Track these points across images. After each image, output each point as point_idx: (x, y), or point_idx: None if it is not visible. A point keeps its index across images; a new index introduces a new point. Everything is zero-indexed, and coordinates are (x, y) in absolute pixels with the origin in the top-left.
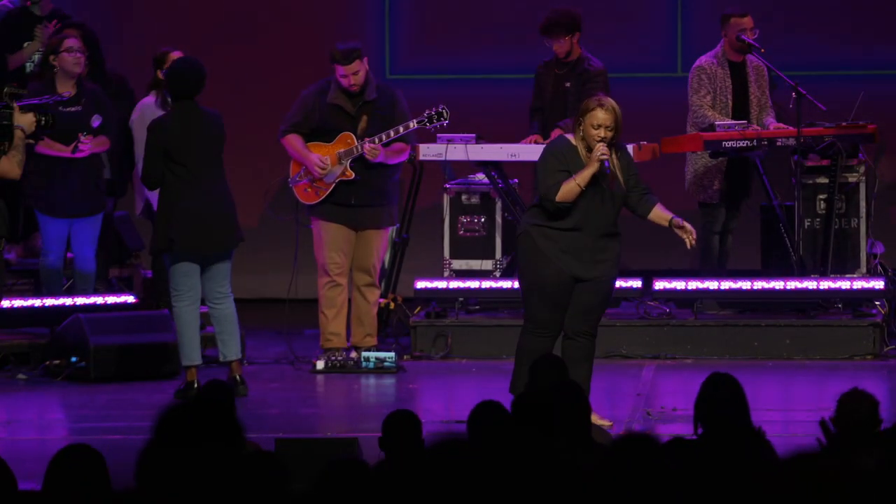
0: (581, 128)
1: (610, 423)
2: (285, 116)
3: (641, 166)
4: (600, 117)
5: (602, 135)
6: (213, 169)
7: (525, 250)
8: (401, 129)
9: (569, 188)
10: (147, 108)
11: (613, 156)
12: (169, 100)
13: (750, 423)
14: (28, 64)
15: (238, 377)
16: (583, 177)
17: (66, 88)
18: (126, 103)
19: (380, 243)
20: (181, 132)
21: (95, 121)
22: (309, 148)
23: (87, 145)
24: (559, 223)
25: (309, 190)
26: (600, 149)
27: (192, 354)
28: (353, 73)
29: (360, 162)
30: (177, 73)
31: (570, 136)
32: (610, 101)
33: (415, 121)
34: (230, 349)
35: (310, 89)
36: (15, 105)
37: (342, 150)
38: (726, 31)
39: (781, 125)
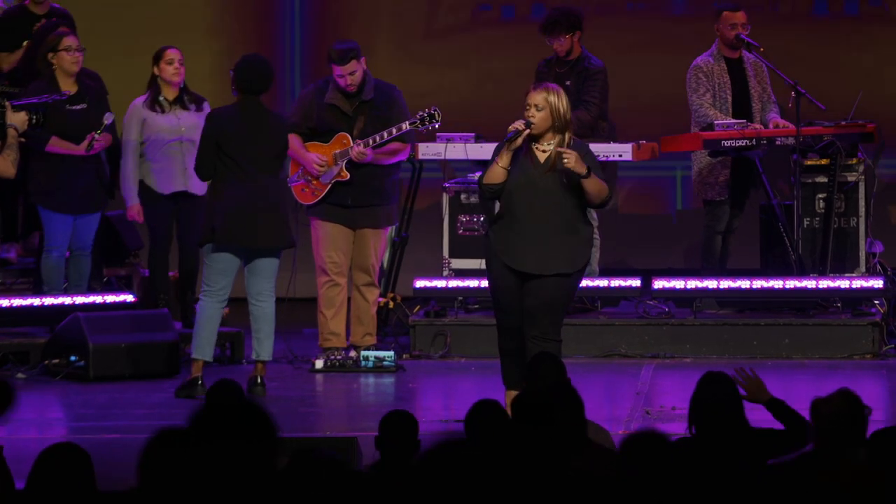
0: None
1: None
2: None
3: (641, 165)
4: (530, 98)
5: (530, 113)
6: (266, 168)
7: (487, 250)
8: (393, 131)
9: (490, 168)
10: (133, 110)
11: (554, 144)
12: (160, 99)
13: (743, 421)
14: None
15: (259, 378)
16: (501, 155)
17: (66, 86)
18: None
19: (378, 242)
20: (236, 126)
21: (108, 118)
22: (307, 148)
23: (101, 143)
24: (503, 217)
25: (306, 190)
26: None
27: (204, 349)
28: (350, 73)
29: (353, 163)
30: (243, 68)
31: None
32: (546, 85)
33: (407, 122)
34: (264, 349)
35: (308, 89)
36: (7, 104)
37: (338, 150)
38: (719, 27)
39: (783, 121)
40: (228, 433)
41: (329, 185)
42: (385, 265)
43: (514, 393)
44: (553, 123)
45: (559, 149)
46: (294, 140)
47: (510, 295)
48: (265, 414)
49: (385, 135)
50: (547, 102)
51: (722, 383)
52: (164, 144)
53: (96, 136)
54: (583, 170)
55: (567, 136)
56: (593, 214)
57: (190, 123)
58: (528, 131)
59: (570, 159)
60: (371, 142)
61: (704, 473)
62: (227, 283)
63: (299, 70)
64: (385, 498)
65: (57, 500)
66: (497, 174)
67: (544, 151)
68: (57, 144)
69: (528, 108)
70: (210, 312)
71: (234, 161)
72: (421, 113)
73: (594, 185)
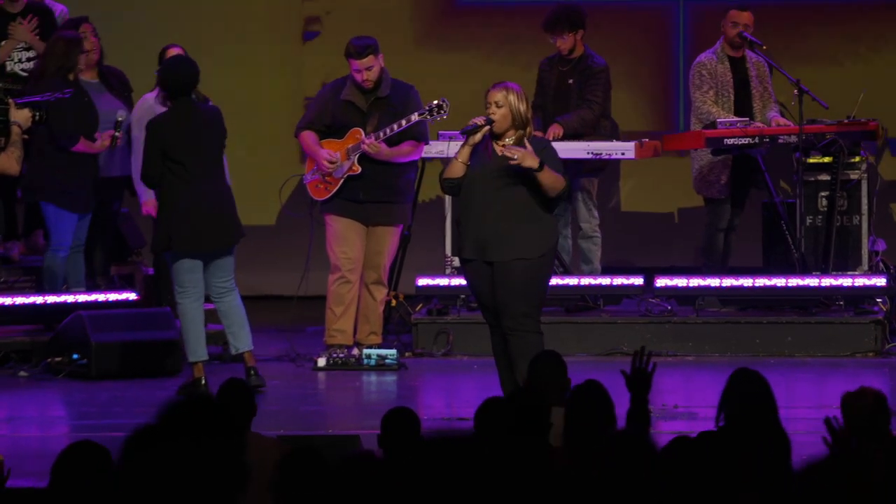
0: None
1: None
2: (304, 114)
3: (643, 164)
4: (490, 96)
5: (491, 111)
6: (212, 166)
7: (457, 250)
8: (403, 123)
9: (450, 163)
10: (145, 105)
11: (513, 140)
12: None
13: (776, 420)
14: (8, 63)
15: (253, 368)
16: (460, 150)
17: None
18: (127, 99)
19: (390, 241)
20: (178, 131)
21: (122, 115)
22: (322, 144)
23: (121, 141)
24: (463, 211)
25: (320, 186)
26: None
27: (198, 350)
28: (367, 69)
29: (366, 157)
30: (169, 71)
31: None
32: (505, 84)
33: (416, 113)
34: (241, 341)
35: (326, 87)
36: (11, 101)
37: (351, 145)
38: (724, 26)
39: (784, 120)
40: (194, 430)
41: (342, 180)
42: None
43: None
44: (513, 121)
45: (503, 149)
46: (310, 136)
47: (484, 290)
48: (227, 410)
49: (395, 127)
50: (507, 100)
51: (755, 381)
52: None
53: (116, 134)
54: (534, 163)
55: (528, 130)
56: (594, 213)
57: None
58: (488, 127)
59: (518, 157)
60: (382, 134)
61: (729, 468)
62: (197, 279)
63: None
64: (389, 494)
65: (80, 499)
66: (456, 169)
67: (502, 145)
68: (83, 144)
69: (488, 105)
70: (192, 314)
71: (182, 166)
72: (430, 104)
73: (548, 178)
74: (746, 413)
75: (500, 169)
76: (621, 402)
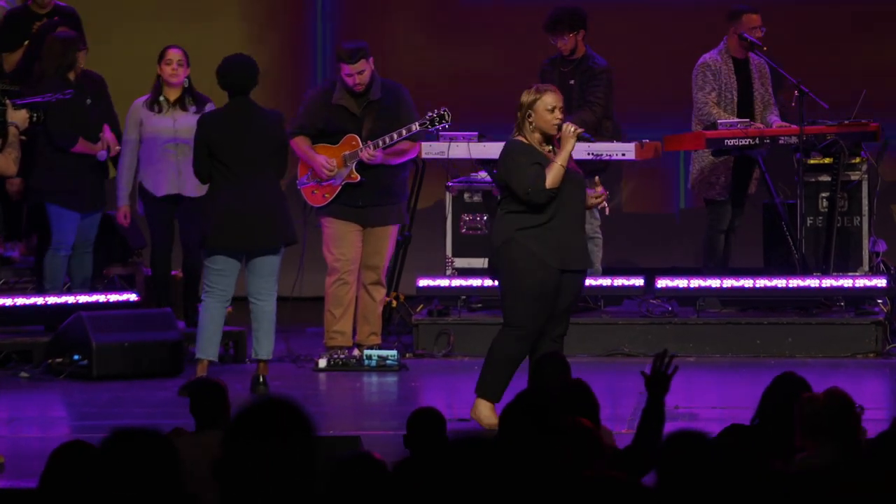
0: (530, 121)
1: None
2: (293, 118)
3: (644, 164)
4: (551, 101)
5: (559, 116)
6: (260, 168)
7: (516, 258)
8: (403, 132)
9: (554, 172)
10: (135, 108)
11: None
12: (160, 99)
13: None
14: None
15: (262, 378)
16: (563, 157)
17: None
18: (105, 104)
19: (387, 241)
20: (225, 129)
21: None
22: (315, 150)
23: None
24: (543, 219)
25: (316, 192)
26: (570, 125)
27: (208, 349)
28: (359, 73)
29: (363, 163)
30: (227, 69)
31: (518, 139)
32: (551, 86)
33: (417, 123)
34: (263, 348)
35: (314, 90)
36: (8, 102)
37: (347, 152)
38: (737, 29)
39: (785, 123)
40: (268, 432)
41: (340, 187)
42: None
43: (489, 404)
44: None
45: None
46: (302, 142)
47: (551, 299)
48: (301, 411)
49: (395, 136)
50: (562, 102)
51: (796, 384)
52: (160, 146)
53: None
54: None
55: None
56: (595, 214)
57: (187, 125)
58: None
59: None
60: (381, 143)
61: (760, 462)
62: (227, 284)
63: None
64: (412, 496)
65: (71, 499)
66: (561, 176)
67: (550, 152)
68: (82, 145)
69: (552, 110)
70: (213, 313)
71: (226, 165)
72: (430, 114)
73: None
74: (783, 414)
75: (577, 176)
76: (625, 404)
